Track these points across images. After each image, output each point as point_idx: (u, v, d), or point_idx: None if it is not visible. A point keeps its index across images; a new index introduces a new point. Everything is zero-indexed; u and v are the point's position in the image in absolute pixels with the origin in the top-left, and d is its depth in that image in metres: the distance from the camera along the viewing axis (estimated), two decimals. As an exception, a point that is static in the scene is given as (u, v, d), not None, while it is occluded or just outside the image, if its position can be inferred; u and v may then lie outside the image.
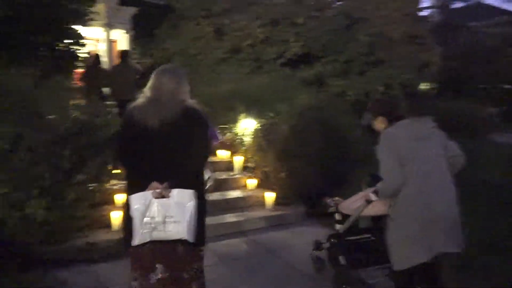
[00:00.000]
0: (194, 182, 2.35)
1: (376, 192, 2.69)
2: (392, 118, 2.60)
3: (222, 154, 6.37)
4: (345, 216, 3.19)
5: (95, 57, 9.25)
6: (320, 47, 9.13)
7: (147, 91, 2.41)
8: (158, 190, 2.23)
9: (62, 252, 3.85)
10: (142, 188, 2.26)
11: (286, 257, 4.16)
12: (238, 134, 6.34)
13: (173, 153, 2.31)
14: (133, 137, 2.33)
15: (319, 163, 5.48)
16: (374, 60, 9.19)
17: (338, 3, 11.43)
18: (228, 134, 6.40)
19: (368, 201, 2.79)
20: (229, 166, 6.19)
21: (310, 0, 10.17)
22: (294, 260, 4.03)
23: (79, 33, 8.64)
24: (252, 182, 5.75)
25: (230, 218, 5.04)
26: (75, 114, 4.43)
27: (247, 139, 6.15)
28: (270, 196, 5.37)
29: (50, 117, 4.14)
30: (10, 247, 3.55)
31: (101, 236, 4.17)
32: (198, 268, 2.47)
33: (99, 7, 13.72)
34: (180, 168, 2.29)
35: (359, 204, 2.95)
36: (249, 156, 6.06)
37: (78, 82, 9.04)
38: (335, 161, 5.62)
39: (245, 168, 6.11)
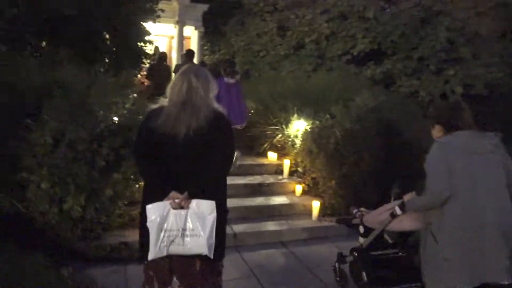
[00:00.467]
0: (216, 192, 2.19)
1: (402, 206, 2.50)
2: (450, 128, 2.32)
3: (272, 157, 6.07)
4: (370, 229, 2.91)
5: (161, 54, 9.47)
6: (391, 43, 8.36)
7: (172, 94, 2.22)
8: (177, 200, 2.08)
9: (96, 250, 3.87)
10: (160, 197, 2.12)
11: (323, 275, 3.75)
12: (290, 135, 5.98)
13: (196, 161, 2.16)
14: (155, 143, 2.18)
15: (375, 173, 4.94)
16: (454, 57, 8.17)
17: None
18: (280, 135, 6.07)
19: (393, 215, 2.57)
20: (278, 170, 5.88)
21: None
22: (330, 281, 3.61)
23: (146, 30, 8.88)
24: (299, 188, 5.37)
25: (271, 226, 4.74)
26: (120, 112, 4.45)
27: (299, 142, 5.77)
28: (317, 205, 4.96)
29: (97, 114, 4.15)
30: (46, 241, 3.64)
31: (135, 236, 4.11)
32: (215, 283, 2.32)
33: (173, 5, 14.26)
34: (202, 177, 2.13)
35: (384, 217, 2.69)
36: (299, 160, 5.68)
37: (144, 79, 9.39)
38: (395, 171, 5.00)
39: (294, 173, 5.75)
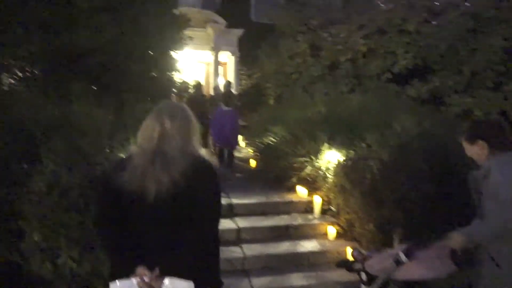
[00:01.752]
0: (200, 264, 1.68)
1: (408, 251, 2.19)
2: (497, 145, 2.18)
3: (301, 192, 5.39)
4: (373, 277, 2.43)
5: (196, 84, 9.35)
6: (437, 57, 7.46)
7: (142, 139, 1.76)
8: (145, 279, 1.63)
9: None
10: (126, 273, 1.66)
11: None
12: (321, 168, 5.28)
13: (170, 226, 1.68)
14: (120, 205, 1.71)
15: (423, 213, 4.10)
16: (513, 69, 7.12)
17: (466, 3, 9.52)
18: (310, 167, 5.39)
19: (398, 262, 2.20)
20: (308, 208, 5.18)
21: (424, 1, 8.54)
22: None
23: (174, 59, 8.67)
24: (333, 231, 4.63)
25: (298, 279, 4.03)
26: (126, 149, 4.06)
27: (331, 175, 5.06)
28: (353, 253, 4.18)
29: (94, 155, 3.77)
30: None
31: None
32: None
33: (208, 32, 14.24)
34: (178, 248, 1.64)
35: (388, 264, 2.28)
36: (332, 197, 4.95)
37: None
38: (449, 212, 4.13)
39: (326, 211, 5.02)
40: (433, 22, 8.44)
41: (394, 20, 7.92)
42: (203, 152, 1.85)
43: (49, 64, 5.54)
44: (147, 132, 1.76)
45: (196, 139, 1.80)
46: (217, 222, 1.80)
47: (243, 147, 10.24)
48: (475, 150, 2.26)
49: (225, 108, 6.52)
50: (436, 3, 8.98)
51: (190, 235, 1.65)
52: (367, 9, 8.98)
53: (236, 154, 9.36)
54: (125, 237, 1.70)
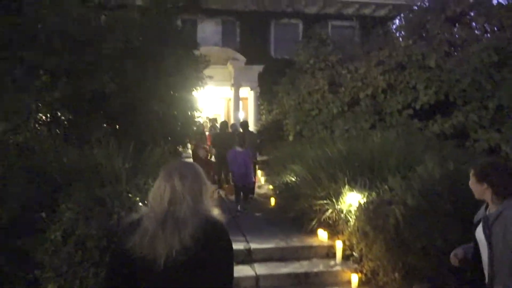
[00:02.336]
0: None
1: None
2: (502, 191, 2.27)
3: (322, 236, 5.20)
4: None
5: (222, 123, 9.59)
6: (460, 92, 7.29)
7: (153, 201, 1.70)
8: None
9: None
10: None
11: None
12: (343, 210, 5.11)
13: None
14: (128, 269, 1.65)
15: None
16: (542, 103, 6.85)
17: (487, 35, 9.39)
18: (330, 210, 5.22)
19: None
20: (329, 253, 4.98)
21: (444, 36, 8.48)
22: None
23: (195, 98, 8.81)
24: (355, 279, 4.40)
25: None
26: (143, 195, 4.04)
27: (353, 219, 4.87)
28: (378, 304, 3.95)
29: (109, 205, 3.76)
30: None
31: None
32: None
33: (228, 68, 14.55)
34: None
35: None
36: (355, 242, 4.75)
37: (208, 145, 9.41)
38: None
39: (349, 257, 4.80)
40: (454, 56, 8.35)
41: (413, 55, 7.85)
42: (215, 211, 1.78)
43: (73, 108, 5.70)
44: (158, 193, 1.70)
45: (208, 199, 1.74)
46: (230, 285, 1.72)
47: (263, 183, 10.14)
48: (480, 189, 2.36)
49: (239, 149, 6.92)
50: (456, 37, 8.91)
51: None
52: (386, 45, 8.97)
53: (257, 189, 9.29)
54: None
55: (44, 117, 5.68)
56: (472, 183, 2.41)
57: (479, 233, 2.45)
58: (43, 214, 3.70)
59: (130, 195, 4.01)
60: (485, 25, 9.68)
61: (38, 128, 5.60)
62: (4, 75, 5.24)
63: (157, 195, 1.70)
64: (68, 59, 5.79)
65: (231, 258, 1.72)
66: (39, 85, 5.33)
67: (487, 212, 2.38)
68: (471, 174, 2.42)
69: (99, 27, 6.57)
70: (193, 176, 1.73)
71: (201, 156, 8.29)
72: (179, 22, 13.40)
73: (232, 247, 1.73)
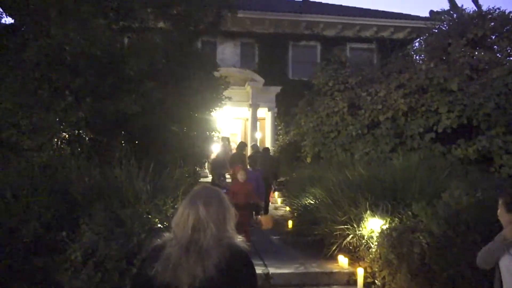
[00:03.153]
0: None
1: None
2: None
3: (342, 262, 5.06)
4: None
5: (240, 144, 9.62)
6: (484, 116, 7.14)
7: (176, 227, 1.67)
8: None
9: None
10: None
11: None
12: (364, 236, 4.98)
13: None
14: None
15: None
16: None
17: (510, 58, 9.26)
18: (351, 235, 5.09)
19: None
20: (350, 280, 4.83)
21: (465, 59, 8.38)
22: None
23: (214, 118, 8.89)
24: (378, 310, 4.24)
25: None
26: (162, 216, 4.04)
27: (375, 245, 4.74)
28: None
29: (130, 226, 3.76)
30: None
31: None
32: None
33: (246, 89, 14.69)
34: None
35: None
36: (376, 269, 4.60)
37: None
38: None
39: (371, 285, 4.64)
40: (477, 80, 8.23)
41: (435, 78, 7.77)
42: (238, 239, 1.74)
43: (95, 128, 5.81)
44: (182, 219, 1.66)
45: (232, 226, 1.70)
46: None
47: (279, 204, 10.04)
48: (508, 218, 2.35)
49: (251, 169, 7.38)
50: (478, 60, 8.80)
51: None
52: (406, 68, 8.92)
53: (273, 210, 9.20)
54: None
55: (67, 136, 5.79)
56: (501, 212, 2.40)
57: (507, 261, 2.37)
58: (64, 234, 3.71)
59: (149, 216, 4.01)
60: (507, 49, 9.56)
61: (62, 147, 5.71)
62: (32, 95, 5.39)
63: (180, 222, 1.66)
64: (92, 81, 5.95)
65: (255, 285, 1.67)
66: (64, 105, 5.44)
67: None
68: (500, 203, 2.40)
69: (123, 49, 6.75)
70: (217, 202, 1.70)
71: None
72: (199, 44, 13.74)
73: (256, 276, 1.68)
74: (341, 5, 17.40)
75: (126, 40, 8.59)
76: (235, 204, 4.86)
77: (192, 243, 1.59)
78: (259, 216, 7.80)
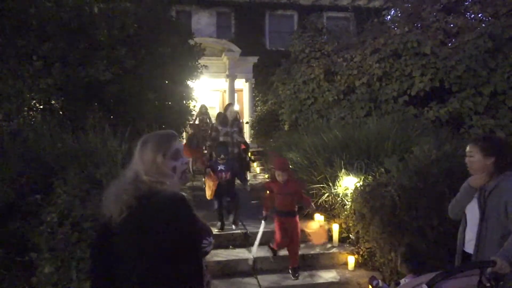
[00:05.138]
0: None
1: (432, 283, 1.80)
2: (505, 165, 2.38)
3: (318, 219, 5.21)
4: None
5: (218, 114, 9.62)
6: (456, 79, 7.30)
7: None
8: None
9: None
10: None
11: None
12: (339, 194, 5.12)
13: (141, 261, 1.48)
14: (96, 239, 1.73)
15: (449, 241, 3.88)
16: (536, 89, 6.89)
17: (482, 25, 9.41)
18: (327, 194, 5.23)
19: None
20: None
21: (439, 24, 8.48)
22: None
23: (190, 88, 8.77)
24: (352, 260, 4.43)
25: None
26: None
27: (349, 202, 4.89)
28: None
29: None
30: None
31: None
32: None
33: (223, 60, 14.48)
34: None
35: None
36: (351, 224, 4.76)
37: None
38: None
39: (345, 240, 4.83)
40: (450, 44, 8.36)
41: (409, 43, 7.85)
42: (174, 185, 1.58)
43: (67, 95, 5.65)
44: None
45: (168, 170, 1.57)
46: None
47: (258, 173, 10.15)
48: (484, 163, 2.39)
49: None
50: (451, 25, 8.92)
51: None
52: (381, 34, 8.96)
53: (253, 179, 9.29)
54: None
55: (37, 104, 5.62)
56: (477, 157, 2.42)
57: (471, 207, 2.47)
58: (38, 197, 3.67)
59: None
60: (479, 14, 9.71)
61: (32, 114, 5.55)
62: (-3, 61, 5.18)
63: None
64: (62, 46, 5.74)
65: (173, 232, 1.46)
66: (33, 71, 5.26)
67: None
68: (475, 150, 2.43)
69: (93, 15, 6.50)
70: (153, 144, 1.60)
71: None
72: (173, 13, 13.36)
73: (177, 220, 1.49)
74: (317, -27, 17.11)
75: (96, 7, 8.28)
76: (277, 212, 4.54)
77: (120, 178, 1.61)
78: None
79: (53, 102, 5.64)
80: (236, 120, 6.48)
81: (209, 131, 8.05)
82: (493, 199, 2.36)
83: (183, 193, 1.61)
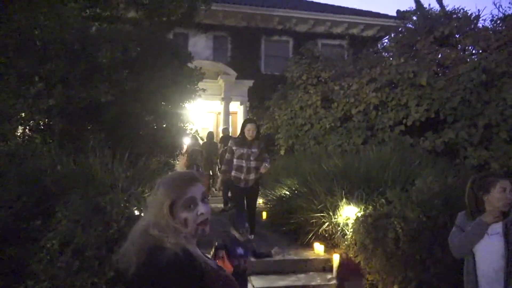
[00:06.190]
0: None
1: None
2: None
3: (318, 249, 5.17)
4: None
5: (209, 134, 9.97)
6: (451, 110, 7.46)
7: None
8: None
9: None
10: None
11: None
12: (339, 224, 5.11)
13: None
14: None
15: (452, 274, 3.88)
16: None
17: (473, 56, 9.71)
18: (327, 223, 5.21)
19: None
20: (326, 266, 4.95)
21: (435, 56, 8.73)
22: None
23: (187, 110, 8.79)
24: (354, 293, 4.38)
25: None
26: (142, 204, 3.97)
27: (350, 231, 4.87)
28: (378, 319, 3.92)
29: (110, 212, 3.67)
30: None
31: None
32: None
33: (219, 83, 14.60)
34: None
35: None
36: (352, 255, 4.73)
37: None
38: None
39: (346, 271, 4.77)
40: (444, 75, 8.58)
41: (405, 73, 8.04)
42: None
43: (67, 117, 5.61)
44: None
45: (165, 219, 1.36)
46: None
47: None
48: (499, 198, 2.50)
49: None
50: (444, 57, 9.19)
51: None
52: (377, 63, 9.17)
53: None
54: None
55: (37, 125, 5.56)
56: (493, 194, 2.54)
57: (488, 242, 2.49)
58: (38, 222, 3.58)
59: (128, 204, 3.93)
60: (470, 47, 10.02)
61: (31, 136, 5.48)
62: (-2, 81, 5.14)
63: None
64: (63, 67, 5.73)
65: None
66: (34, 92, 5.22)
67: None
68: (493, 186, 2.55)
69: (96, 36, 6.54)
70: (164, 185, 1.43)
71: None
72: (171, 36, 13.50)
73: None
74: (313, 2, 17.61)
75: (96, 29, 8.34)
76: None
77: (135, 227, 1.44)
78: None
79: (52, 123, 5.58)
80: (257, 140, 5.31)
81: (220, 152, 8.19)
82: None
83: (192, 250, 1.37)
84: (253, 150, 5.20)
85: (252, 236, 4.87)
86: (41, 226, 3.61)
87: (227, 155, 5.39)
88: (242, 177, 5.20)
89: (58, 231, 3.46)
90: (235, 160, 5.23)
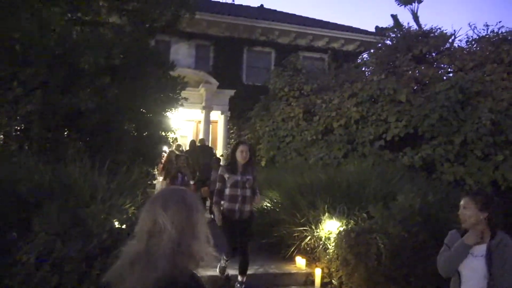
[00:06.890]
0: None
1: None
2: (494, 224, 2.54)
3: (300, 263, 5.17)
4: None
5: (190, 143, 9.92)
6: (429, 126, 7.67)
7: (135, 235, 1.43)
8: None
9: None
10: None
11: None
12: (321, 238, 5.13)
13: None
14: None
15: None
16: (502, 140, 7.34)
17: (449, 75, 10.05)
18: (309, 237, 5.22)
19: None
20: (307, 280, 4.94)
21: (413, 74, 8.98)
22: None
23: (169, 119, 8.71)
24: (336, 308, 4.38)
25: None
26: (122, 216, 3.87)
27: (332, 246, 4.90)
28: (359, 334, 3.93)
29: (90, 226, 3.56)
30: None
31: None
32: None
33: (200, 91, 14.54)
34: None
35: None
36: (333, 269, 4.75)
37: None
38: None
39: (327, 284, 4.79)
40: (422, 92, 8.84)
41: (386, 89, 8.23)
42: (210, 251, 1.38)
43: (46, 123, 5.44)
44: (138, 227, 1.42)
45: (204, 235, 1.37)
46: None
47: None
48: (478, 217, 2.49)
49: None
50: (421, 75, 9.48)
51: None
52: (358, 78, 9.36)
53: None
54: None
55: (14, 131, 5.37)
56: (473, 212, 2.51)
57: (472, 263, 2.54)
58: (15, 235, 3.43)
59: (109, 216, 3.83)
60: (447, 65, 10.39)
61: (7, 142, 5.28)
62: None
63: (138, 230, 1.42)
64: (44, 72, 5.58)
65: None
66: (13, 97, 5.05)
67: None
68: (471, 203, 2.53)
69: (78, 41, 6.40)
70: (178, 202, 1.41)
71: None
72: (153, 43, 13.38)
73: None
74: (295, 14, 17.86)
75: (78, 33, 8.18)
76: None
77: (142, 253, 1.34)
78: None
79: (29, 129, 5.40)
80: (250, 166, 4.59)
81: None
82: (498, 254, 2.46)
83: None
84: (248, 177, 4.47)
85: (244, 278, 4.45)
86: (16, 238, 3.47)
87: (218, 184, 4.57)
88: (236, 208, 4.37)
89: (35, 244, 3.32)
90: (227, 190, 4.44)
